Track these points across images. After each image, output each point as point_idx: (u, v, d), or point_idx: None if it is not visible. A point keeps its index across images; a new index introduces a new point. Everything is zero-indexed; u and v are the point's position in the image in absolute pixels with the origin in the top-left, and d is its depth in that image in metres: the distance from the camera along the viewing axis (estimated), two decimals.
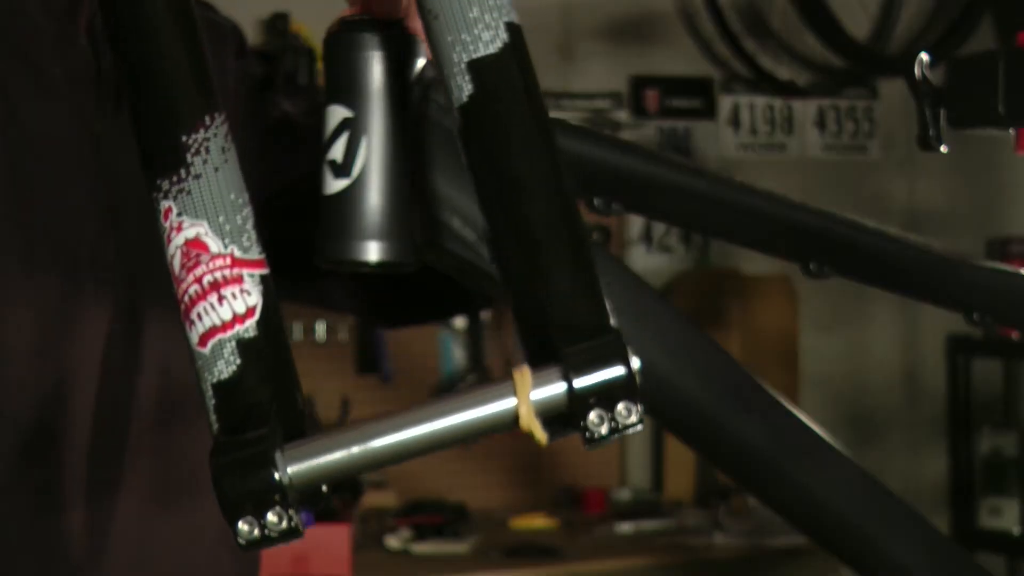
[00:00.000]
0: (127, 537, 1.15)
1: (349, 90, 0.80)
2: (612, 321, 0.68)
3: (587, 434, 0.66)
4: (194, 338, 0.71)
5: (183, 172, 0.72)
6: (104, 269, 1.16)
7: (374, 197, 0.80)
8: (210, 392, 0.70)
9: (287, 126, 1.31)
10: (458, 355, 3.75)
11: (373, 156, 0.80)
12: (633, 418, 0.66)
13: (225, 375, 0.69)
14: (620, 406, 0.66)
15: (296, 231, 1.18)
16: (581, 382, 0.65)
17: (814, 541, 0.85)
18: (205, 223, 0.71)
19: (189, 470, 1.17)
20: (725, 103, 4.26)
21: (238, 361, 0.69)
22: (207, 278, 0.71)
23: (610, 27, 4.09)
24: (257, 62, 1.34)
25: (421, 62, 0.82)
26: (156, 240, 1.10)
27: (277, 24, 3.57)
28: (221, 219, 0.71)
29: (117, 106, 1.19)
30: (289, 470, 0.66)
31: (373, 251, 0.80)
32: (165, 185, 0.72)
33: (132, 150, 1.17)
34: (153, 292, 1.19)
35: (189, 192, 0.71)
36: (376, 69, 0.80)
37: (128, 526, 1.15)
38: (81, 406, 1.13)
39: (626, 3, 4.11)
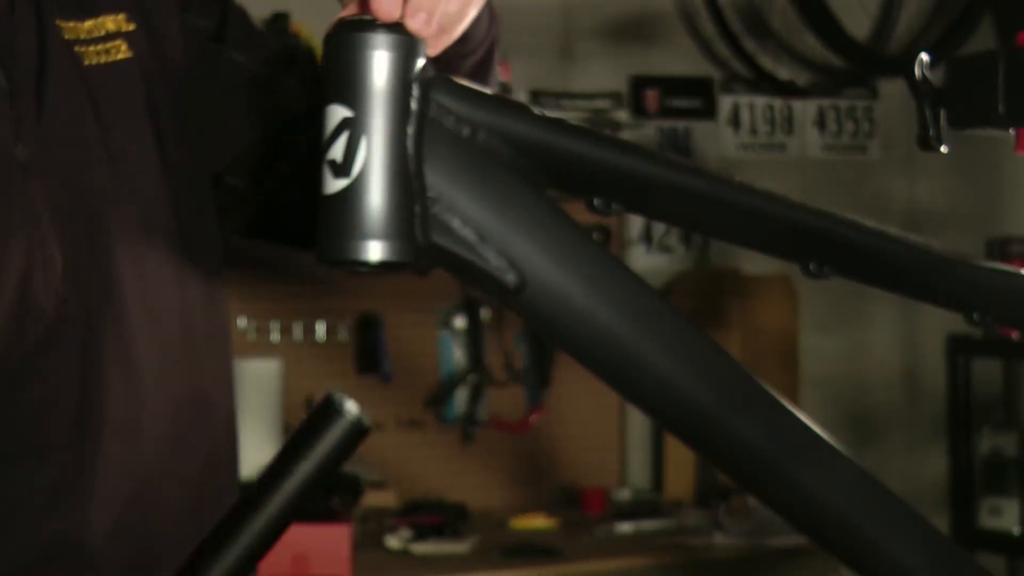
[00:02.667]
0: None
1: (349, 90, 0.80)
2: None
3: None
4: None
5: None
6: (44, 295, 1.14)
7: (374, 197, 0.80)
8: None
9: (243, 77, 1.29)
10: (458, 355, 3.75)
11: (373, 156, 0.80)
12: None
13: None
14: None
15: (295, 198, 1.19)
16: None
17: (814, 541, 0.85)
18: None
19: None
20: (725, 103, 4.26)
21: None
22: None
23: (610, 27, 4.09)
24: (204, 14, 1.30)
25: (421, 62, 0.82)
26: (98, 250, 1.09)
27: (277, 24, 3.57)
28: None
29: (39, 121, 1.14)
30: None
31: (373, 251, 0.80)
32: None
33: (65, 170, 1.14)
34: (110, 326, 1.17)
35: None
36: (376, 69, 0.80)
37: None
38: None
39: (626, 3, 4.11)
